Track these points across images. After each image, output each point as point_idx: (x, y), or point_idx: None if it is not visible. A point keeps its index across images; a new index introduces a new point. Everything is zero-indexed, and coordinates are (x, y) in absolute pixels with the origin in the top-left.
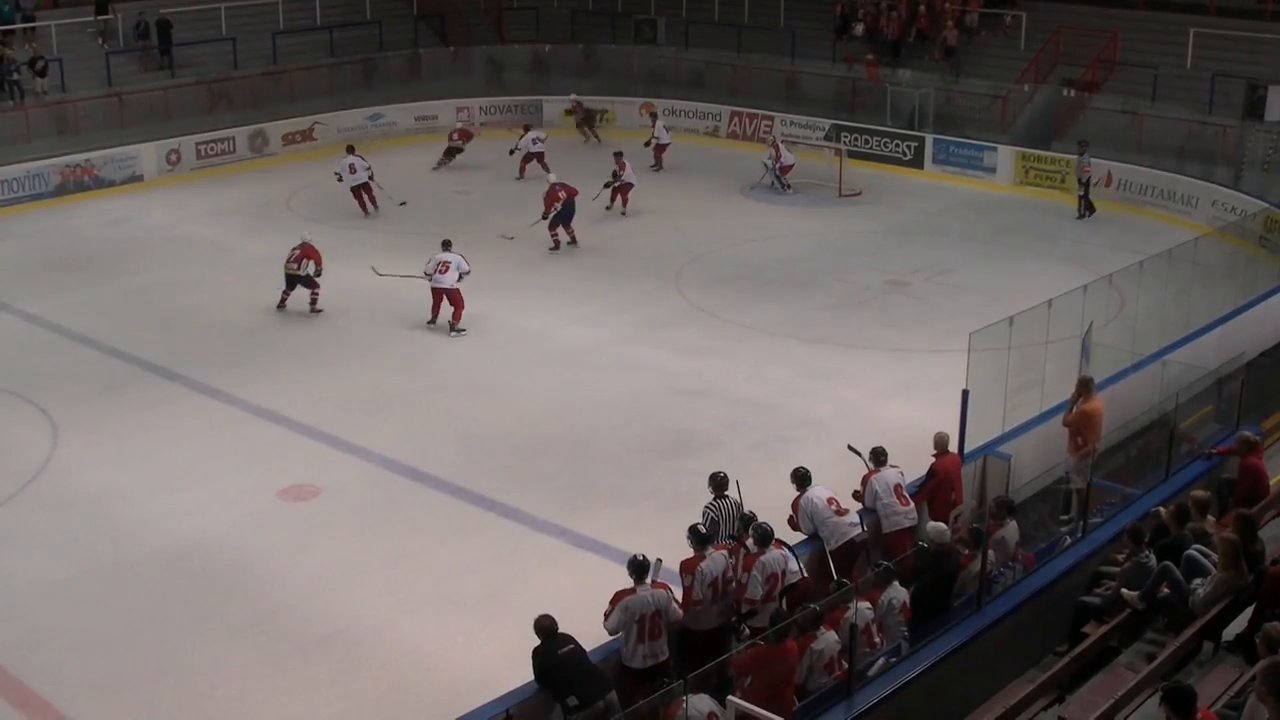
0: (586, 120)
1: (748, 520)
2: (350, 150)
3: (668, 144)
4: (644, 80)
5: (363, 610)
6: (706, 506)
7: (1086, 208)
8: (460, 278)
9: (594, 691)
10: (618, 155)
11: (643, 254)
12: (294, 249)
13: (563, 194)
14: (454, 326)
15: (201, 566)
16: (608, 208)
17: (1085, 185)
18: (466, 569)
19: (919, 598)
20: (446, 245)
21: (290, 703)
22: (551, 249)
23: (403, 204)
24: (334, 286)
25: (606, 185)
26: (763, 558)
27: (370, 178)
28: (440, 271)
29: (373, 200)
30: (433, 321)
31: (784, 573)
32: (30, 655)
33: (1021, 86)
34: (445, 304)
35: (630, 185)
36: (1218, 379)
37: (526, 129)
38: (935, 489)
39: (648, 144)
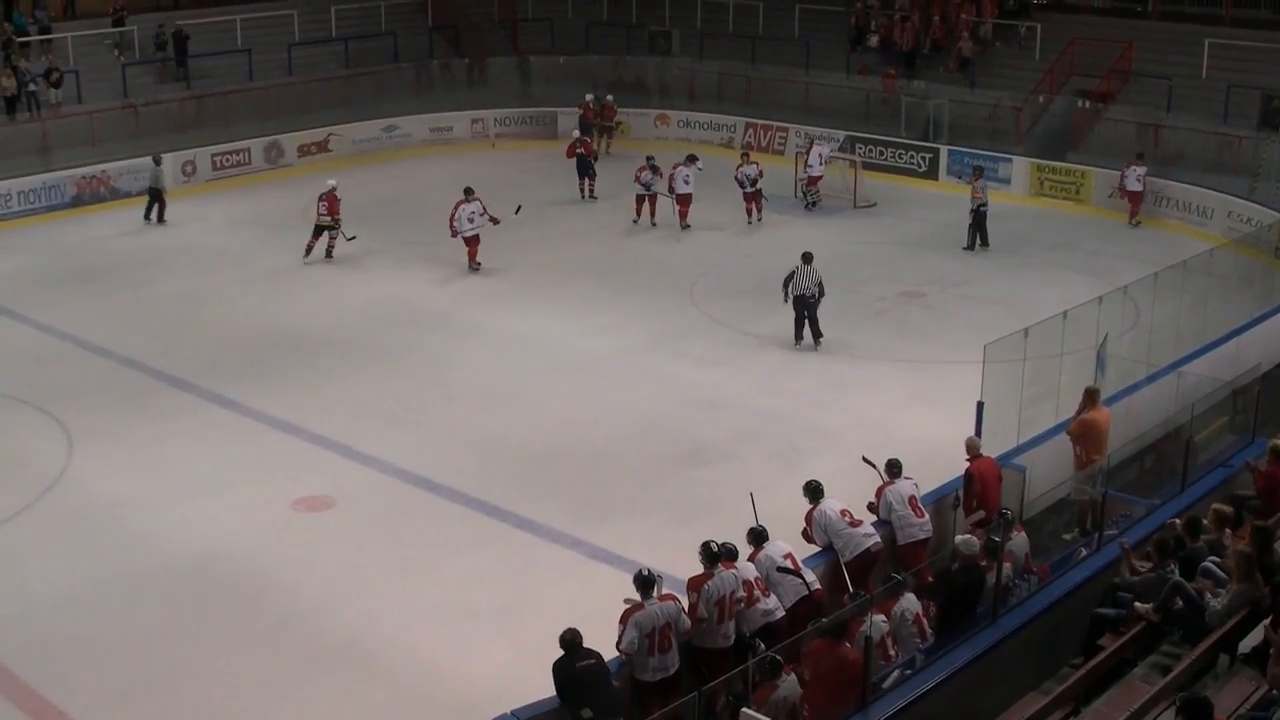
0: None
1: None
2: None
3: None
4: (659, 92)
5: (376, 621)
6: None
7: (980, 239)
8: None
9: (606, 710)
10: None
11: (657, 265)
12: (320, 199)
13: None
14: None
15: (216, 576)
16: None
17: (975, 212)
18: (480, 580)
19: (946, 608)
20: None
21: (304, 713)
22: None
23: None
24: (349, 300)
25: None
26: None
27: None
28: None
29: None
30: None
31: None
32: (45, 664)
33: (1036, 97)
34: None
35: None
36: (1233, 390)
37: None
38: (979, 494)
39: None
